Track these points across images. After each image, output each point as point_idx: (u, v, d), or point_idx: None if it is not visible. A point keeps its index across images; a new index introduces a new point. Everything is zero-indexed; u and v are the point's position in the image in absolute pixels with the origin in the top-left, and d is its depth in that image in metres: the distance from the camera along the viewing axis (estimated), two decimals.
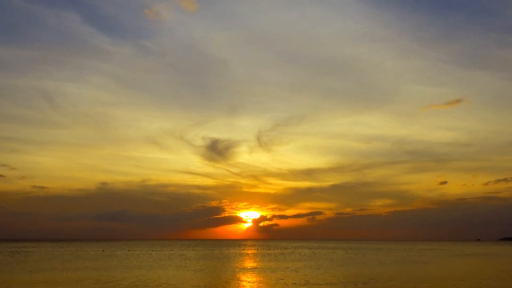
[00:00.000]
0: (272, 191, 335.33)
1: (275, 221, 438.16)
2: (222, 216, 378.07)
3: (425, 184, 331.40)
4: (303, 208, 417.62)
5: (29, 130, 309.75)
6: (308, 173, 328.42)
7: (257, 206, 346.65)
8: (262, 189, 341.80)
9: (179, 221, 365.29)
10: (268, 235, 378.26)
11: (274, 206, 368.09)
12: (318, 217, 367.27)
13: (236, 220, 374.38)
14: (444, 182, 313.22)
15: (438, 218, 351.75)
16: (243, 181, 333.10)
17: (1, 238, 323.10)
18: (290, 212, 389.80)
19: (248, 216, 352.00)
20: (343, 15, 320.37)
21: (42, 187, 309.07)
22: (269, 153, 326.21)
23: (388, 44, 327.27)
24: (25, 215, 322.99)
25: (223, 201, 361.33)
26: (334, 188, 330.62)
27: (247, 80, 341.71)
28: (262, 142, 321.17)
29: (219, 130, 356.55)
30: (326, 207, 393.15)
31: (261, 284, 29.57)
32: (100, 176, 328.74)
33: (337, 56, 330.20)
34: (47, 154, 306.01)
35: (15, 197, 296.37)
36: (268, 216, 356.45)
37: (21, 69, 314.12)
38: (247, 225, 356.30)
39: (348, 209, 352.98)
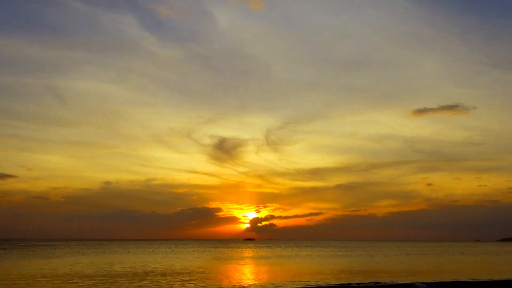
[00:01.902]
0: (276, 191, 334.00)
1: (276, 221, 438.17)
2: (224, 216, 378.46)
3: (432, 184, 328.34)
4: (307, 208, 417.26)
5: (42, 128, 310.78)
6: (315, 172, 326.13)
7: (260, 206, 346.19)
8: (267, 189, 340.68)
9: (181, 221, 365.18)
10: (268, 235, 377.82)
11: (278, 206, 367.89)
12: (318, 217, 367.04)
13: (238, 220, 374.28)
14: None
15: (440, 219, 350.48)
16: (248, 180, 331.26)
17: (5, 238, 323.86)
18: (293, 212, 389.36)
19: (250, 216, 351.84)
20: (395, 16, 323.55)
21: (48, 187, 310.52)
22: (276, 153, 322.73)
23: (433, 45, 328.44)
24: (28, 215, 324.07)
25: (226, 200, 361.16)
26: (339, 188, 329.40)
27: (263, 77, 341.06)
28: (270, 141, 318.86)
29: (228, 128, 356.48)
30: (330, 207, 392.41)
31: None
32: (105, 175, 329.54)
33: (372, 55, 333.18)
34: (56, 153, 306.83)
35: (18, 197, 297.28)
36: (270, 216, 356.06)
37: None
38: (248, 225, 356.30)
39: (351, 209, 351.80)
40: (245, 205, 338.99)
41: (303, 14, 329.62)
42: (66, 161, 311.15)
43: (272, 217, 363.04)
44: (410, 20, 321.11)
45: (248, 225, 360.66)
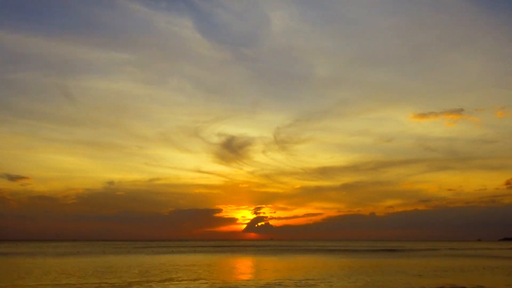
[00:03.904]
0: (281, 191, 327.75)
1: (277, 221, 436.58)
2: (227, 216, 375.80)
3: (438, 183, 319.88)
4: (310, 207, 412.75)
5: (54, 128, 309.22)
6: (323, 171, 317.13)
7: (263, 206, 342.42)
8: (272, 188, 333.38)
9: (184, 221, 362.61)
10: (268, 236, 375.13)
11: (282, 206, 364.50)
12: (319, 217, 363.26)
13: (240, 220, 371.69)
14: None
15: (443, 218, 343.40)
16: (254, 180, 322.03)
17: (7, 238, 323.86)
18: (295, 212, 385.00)
19: (252, 216, 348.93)
20: (448, 18, 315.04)
21: (57, 188, 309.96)
22: (284, 151, 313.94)
23: (482, 46, 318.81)
24: (30, 216, 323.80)
25: (229, 200, 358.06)
26: (345, 188, 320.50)
27: (279, 74, 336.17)
28: (279, 139, 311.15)
29: (237, 125, 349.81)
30: (333, 207, 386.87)
31: None
32: (109, 175, 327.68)
33: (408, 54, 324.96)
34: (64, 152, 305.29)
35: (21, 197, 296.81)
36: (271, 216, 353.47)
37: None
38: (249, 225, 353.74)
39: (355, 209, 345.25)
40: (248, 205, 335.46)
41: (355, 14, 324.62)
42: (75, 161, 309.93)
43: (272, 217, 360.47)
44: (464, 22, 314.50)
45: (252, 225, 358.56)
